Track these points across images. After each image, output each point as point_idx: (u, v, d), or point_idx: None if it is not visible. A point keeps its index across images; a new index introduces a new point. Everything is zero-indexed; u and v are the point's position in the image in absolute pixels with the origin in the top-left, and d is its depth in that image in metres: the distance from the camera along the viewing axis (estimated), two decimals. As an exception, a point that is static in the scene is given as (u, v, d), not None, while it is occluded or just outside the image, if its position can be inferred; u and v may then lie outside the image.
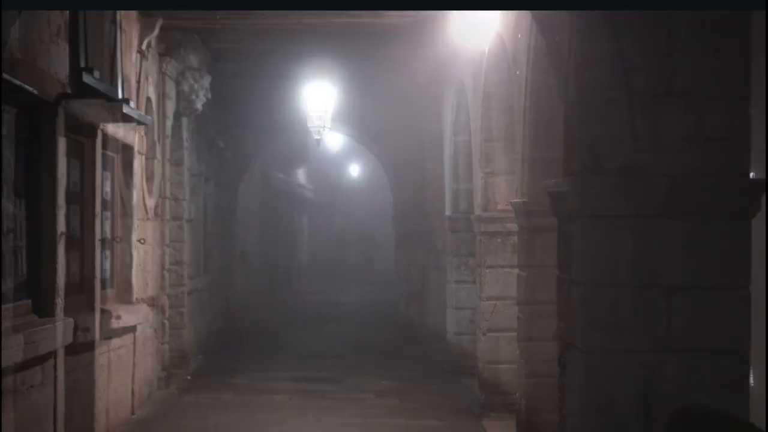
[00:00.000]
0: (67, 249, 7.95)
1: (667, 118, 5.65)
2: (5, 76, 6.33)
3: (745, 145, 5.75)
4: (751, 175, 6.02)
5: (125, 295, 10.15)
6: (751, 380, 6.20)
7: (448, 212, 14.13)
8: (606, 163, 5.69)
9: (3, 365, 6.25)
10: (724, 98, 5.70)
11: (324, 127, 14.40)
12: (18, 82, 6.58)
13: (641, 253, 5.67)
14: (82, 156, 8.50)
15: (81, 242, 8.47)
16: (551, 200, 6.32)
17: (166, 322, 12.43)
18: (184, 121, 13.45)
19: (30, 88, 6.86)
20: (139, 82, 10.58)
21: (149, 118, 9.47)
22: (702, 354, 5.66)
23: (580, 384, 5.73)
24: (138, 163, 10.57)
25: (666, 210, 5.66)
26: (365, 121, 18.96)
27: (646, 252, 5.67)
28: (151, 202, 11.46)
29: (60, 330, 7.45)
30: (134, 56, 10.36)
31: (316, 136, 14.54)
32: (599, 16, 5.66)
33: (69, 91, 7.78)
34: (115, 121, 8.64)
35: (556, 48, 6.03)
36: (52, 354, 7.42)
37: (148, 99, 11.26)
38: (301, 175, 33.24)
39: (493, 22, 9.91)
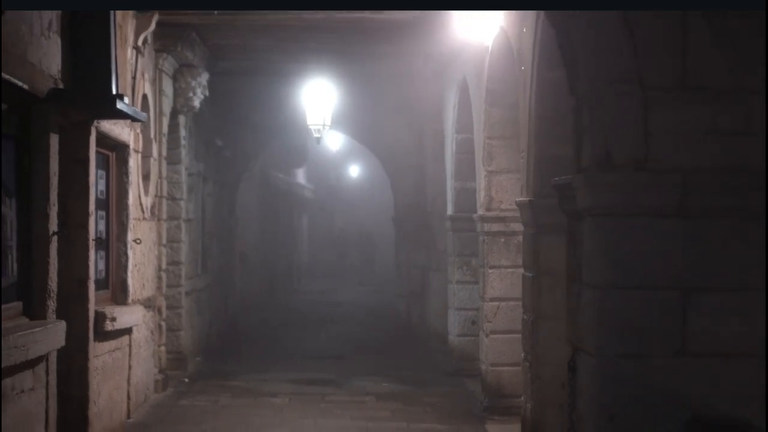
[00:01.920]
0: (61, 249, 7.74)
1: (681, 112, 5.43)
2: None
3: (763, 140, 5.51)
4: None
5: (121, 297, 9.95)
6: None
7: (450, 212, 13.93)
8: (618, 159, 5.46)
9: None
10: (741, 92, 5.47)
11: (324, 125, 14.22)
12: (6, 77, 6.36)
13: (655, 253, 5.43)
14: (74, 153, 8.26)
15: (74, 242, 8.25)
16: (560, 198, 6.09)
17: (163, 323, 12.28)
18: (182, 119, 13.27)
19: (20, 83, 6.64)
20: (134, 78, 10.36)
21: (144, 114, 9.24)
22: (720, 359, 5.42)
23: (591, 390, 5.49)
24: (134, 162, 10.35)
25: (681, 208, 5.43)
26: (366, 120, 18.72)
27: (661, 252, 5.43)
28: (147, 202, 11.26)
29: (51, 333, 7.24)
30: (129, 52, 10.14)
31: (316, 135, 14.36)
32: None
33: (61, 86, 7.56)
34: (107, 117, 8.42)
35: (567, 40, 5.78)
36: (44, 358, 7.21)
37: (144, 96, 11.05)
38: (301, 175, 33.22)
39: (496, 17, 9.74)
